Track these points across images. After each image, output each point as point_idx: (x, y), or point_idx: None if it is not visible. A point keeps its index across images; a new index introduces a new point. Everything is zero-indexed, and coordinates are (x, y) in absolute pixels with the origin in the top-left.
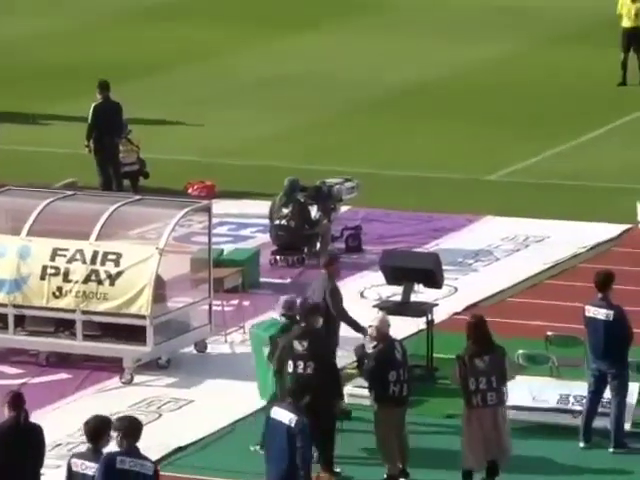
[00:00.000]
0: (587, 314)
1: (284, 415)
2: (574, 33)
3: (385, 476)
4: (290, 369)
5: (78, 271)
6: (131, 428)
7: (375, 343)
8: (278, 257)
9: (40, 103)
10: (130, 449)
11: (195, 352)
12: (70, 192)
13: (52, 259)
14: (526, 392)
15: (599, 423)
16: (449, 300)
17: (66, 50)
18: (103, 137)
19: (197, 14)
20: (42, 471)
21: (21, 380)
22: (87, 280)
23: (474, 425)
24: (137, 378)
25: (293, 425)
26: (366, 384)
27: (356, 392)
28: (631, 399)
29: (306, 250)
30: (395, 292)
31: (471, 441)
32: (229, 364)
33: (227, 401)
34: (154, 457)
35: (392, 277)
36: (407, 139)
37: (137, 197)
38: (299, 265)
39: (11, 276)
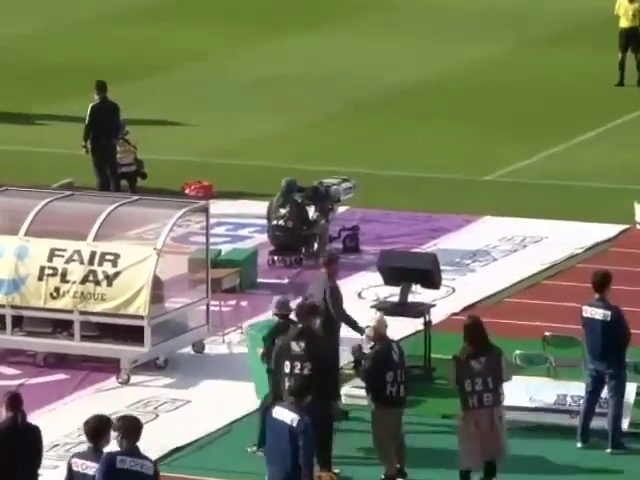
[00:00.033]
0: (585, 314)
1: (286, 415)
2: (572, 34)
3: (382, 476)
4: (287, 370)
5: (76, 272)
6: (131, 428)
7: (372, 344)
8: (276, 257)
9: (38, 103)
10: (130, 449)
11: (193, 352)
12: (68, 192)
13: (50, 259)
14: (523, 392)
15: (597, 423)
16: (447, 300)
17: (65, 50)
18: (100, 138)
19: (197, 14)
20: (40, 472)
21: (19, 381)
22: (85, 281)
23: (470, 426)
24: (134, 378)
25: (295, 425)
26: (363, 384)
27: (354, 392)
28: (629, 399)
29: (304, 250)
30: (393, 292)
31: (468, 442)
32: (227, 365)
33: (224, 401)
34: (151, 457)
35: (390, 277)
36: (405, 139)
37: (135, 197)
38: (297, 265)
39: (9, 276)
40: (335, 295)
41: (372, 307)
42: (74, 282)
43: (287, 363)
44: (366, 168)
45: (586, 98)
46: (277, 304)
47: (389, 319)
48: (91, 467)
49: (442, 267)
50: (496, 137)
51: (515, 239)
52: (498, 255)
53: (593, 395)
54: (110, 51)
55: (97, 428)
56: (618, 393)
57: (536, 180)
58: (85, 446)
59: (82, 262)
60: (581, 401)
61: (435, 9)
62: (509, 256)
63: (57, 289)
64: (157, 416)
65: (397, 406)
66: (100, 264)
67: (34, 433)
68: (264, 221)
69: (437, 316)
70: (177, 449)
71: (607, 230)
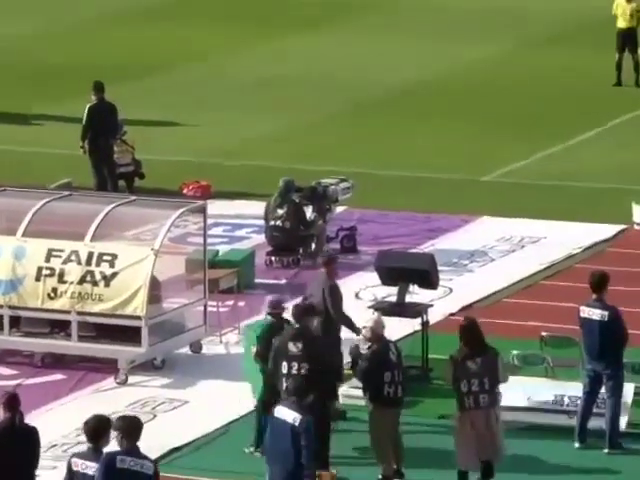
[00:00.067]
0: (582, 315)
1: (288, 414)
2: (572, 34)
3: (380, 476)
4: (285, 370)
5: (73, 272)
6: (131, 427)
7: (370, 344)
8: (273, 258)
9: (38, 103)
10: (130, 448)
11: (190, 353)
12: (65, 193)
13: (47, 260)
14: (521, 393)
15: (594, 424)
16: (444, 301)
17: (65, 50)
18: (98, 138)
19: (197, 14)
20: (37, 472)
21: (16, 381)
22: (82, 281)
23: (467, 426)
24: (132, 379)
25: (297, 424)
26: (361, 385)
27: (351, 393)
28: (626, 400)
29: (301, 251)
30: (390, 293)
31: (464, 442)
32: (224, 365)
33: (222, 402)
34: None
35: (387, 278)
36: (402, 139)
37: (132, 198)
38: (294, 266)
39: (6, 277)
40: (334, 294)
41: (370, 307)
42: (72, 282)
43: (284, 364)
44: (365, 168)
45: (583, 98)
46: (270, 303)
47: (387, 319)
48: (91, 467)
49: (440, 267)
50: (494, 137)
51: (513, 239)
52: (496, 255)
53: (591, 395)
54: (110, 51)
55: (97, 428)
56: (616, 393)
57: (534, 180)
58: (83, 446)
59: (80, 262)
60: (579, 401)
61: (435, 9)
62: (507, 256)
63: (55, 289)
64: (155, 416)
65: (395, 407)
66: (98, 264)
67: (31, 434)
68: (262, 222)
69: (435, 316)
70: (175, 449)
71: (605, 230)
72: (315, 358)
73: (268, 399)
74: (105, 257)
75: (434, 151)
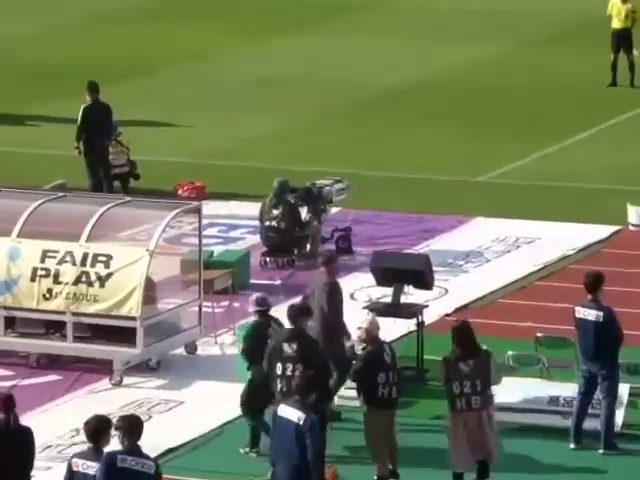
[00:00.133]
0: (577, 315)
1: (292, 413)
2: (572, 34)
3: (375, 477)
4: (279, 372)
5: (68, 273)
6: (132, 427)
7: (364, 345)
8: (268, 259)
9: (37, 103)
10: (131, 448)
11: (185, 354)
12: (60, 194)
13: (42, 261)
14: (516, 393)
15: (589, 424)
16: (439, 301)
17: (65, 50)
18: (93, 139)
19: (197, 14)
20: (32, 473)
21: (11, 382)
22: (77, 282)
23: (459, 427)
24: (127, 380)
25: (302, 423)
26: (355, 385)
27: (346, 394)
28: (621, 400)
29: (296, 252)
30: (385, 293)
31: (458, 443)
32: (219, 366)
33: (217, 403)
34: None
35: (382, 278)
36: (399, 140)
37: (127, 199)
38: (289, 267)
39: (1, 278)
40: (333, 292)
41: (364, 308)
42: (67, 283)
43: (279, 365)
44: (357, 169)
45: (578, 99)
46: (256, 300)
47: (382, 320)
48: (92, 467)
49: (435, 268)
50: (489, 138)
51: (508, 240)
52: (491, 256)
53: (586, 396)
54: (110, 51)
55: (97, 428)
56: (611, 394)
57: (529, 181)
58: (78, 447)
59: (74, 263)
60: (574, 402)
61: (435, 9)
62: (502, 257)
63: (50, 290)
64: (150, 417)
65: (389, 408)
66: (92, 265)
67: (26, 435)
68: (256, 222)
69: (430, 317)
70: (170, 450)
71: (600, 231)
72: (309, 359)
73: (249, 397)
74: (100, 258)
75: (432, 152)
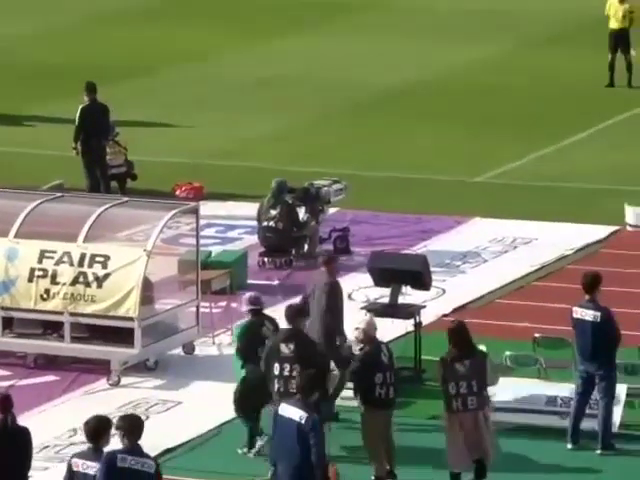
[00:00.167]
0: (575, 316)
1: (293, 412)
2: (572, 34)
3: (373, 477)
4: (277, 372)
5: (66, 273)
6: (132, 426)
7: (361, 345)
8: (266, 259)
9: (37, 103)
10: (132, 447)
11: (183, 354)
12: (58, 194)
13: (40, 261)
14: (514, 394)
15: (587, 425)
16: (437, 302)
17: (65, 50)
18: (90, 139)
19: (197, 14)
20: (30, 473)
21: (9, 382)
22: (75, 282)
23: (455, 428)
24: (125, 380)
25: (304, 422)
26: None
27: (344, 394)
28: (619, 400)
29: (294, 252)
30: (383, 294)
31: (454, 444)
32: (217, 366)
33: (215, 403)
34: None
35: (380, 279)
36: (399, 140)
37: (125, 199)
38: (287, 267)
39: None
40: (333, 292)
41: (362, 308)
42: (64, 284)
43: (276, 365)
44: (355, 170)
45: (576, 99)
46: (249, 299)
47: (379, 320)
48: (92, 467)
49: (432, 268)
50: (486, 138)
51: (505, 240)
52: (488, 256)
53: (583, 396)
54: (110, 51)
55: (97, 428)
56: (608, 394)
57: (526, 182)
58: (75, 448)
59: (72, 264)
60: (571, 402)
61: (435, 9)
62: (499, 257)
63: (47, 291)
64: (148, 417)
65: (386, 408)
66: (90, 266)
67: (24, 435)
68: (254, 222)
69: (427, 317)
70: (168, 450)
71: (597, 231)
72: (307, 359)
73: (242, 396)
74: (97, 258)
75: (433, 151)
